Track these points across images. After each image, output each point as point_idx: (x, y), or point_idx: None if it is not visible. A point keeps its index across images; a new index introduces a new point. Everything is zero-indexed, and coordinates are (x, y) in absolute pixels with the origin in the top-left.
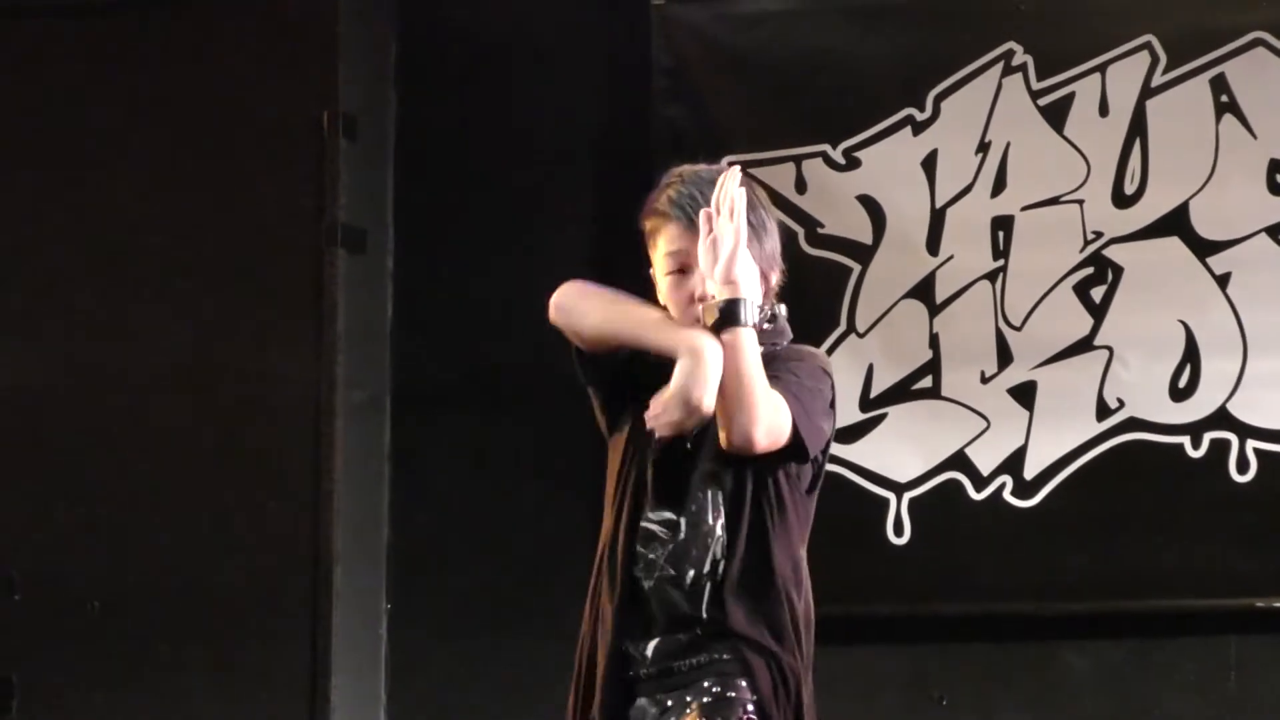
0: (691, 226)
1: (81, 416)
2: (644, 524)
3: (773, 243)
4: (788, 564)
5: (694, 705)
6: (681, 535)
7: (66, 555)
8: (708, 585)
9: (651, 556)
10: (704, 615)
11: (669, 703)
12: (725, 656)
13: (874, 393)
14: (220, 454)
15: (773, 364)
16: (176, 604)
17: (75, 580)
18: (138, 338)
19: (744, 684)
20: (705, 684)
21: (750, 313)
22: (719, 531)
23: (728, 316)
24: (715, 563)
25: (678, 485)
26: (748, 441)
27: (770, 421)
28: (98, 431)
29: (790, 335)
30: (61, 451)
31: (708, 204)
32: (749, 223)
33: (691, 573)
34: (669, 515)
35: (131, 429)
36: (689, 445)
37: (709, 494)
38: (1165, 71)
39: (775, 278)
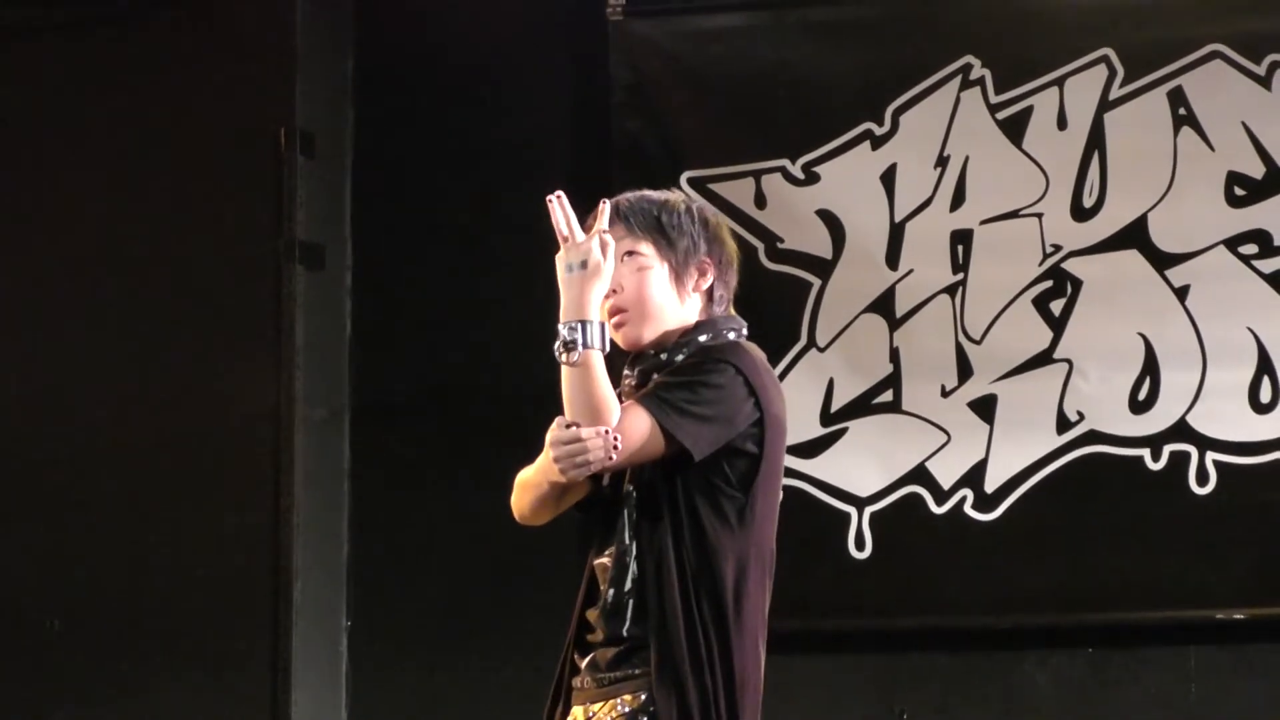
0: (611, 224)
1: (38, 434)
2: (598, 561)
3: (688, 241)
4: (712, 570)
5: (611, 717)
6: (612, 560)
7: (25, 573)
8: (630, 602)
9: (603, 586)
10: (624, 633)
11: (591, 713)
12: (637, 672)
13: (835, 407)
14: (179, 471)
15: (659, 371)
16: (135, 622)
17: (34, 598)
18: (94, 355)
19: (659, 699)
20: (623, 697)
21: (582, 337)
22: (634, 549)
23: (561, 346)
24: (635, 579)
25: (612, 516)
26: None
27: (605, 453)
28: (55, 449)
29: (725, 338)
30: (18, 469)
31: (619, 207)
32: (659, 223)
33: (612, 592)
34: (612, 547)
35: (89, 446)
36: (605, 480)
37: (624, 514)
38: (1123, 84)
39: (700, 279)
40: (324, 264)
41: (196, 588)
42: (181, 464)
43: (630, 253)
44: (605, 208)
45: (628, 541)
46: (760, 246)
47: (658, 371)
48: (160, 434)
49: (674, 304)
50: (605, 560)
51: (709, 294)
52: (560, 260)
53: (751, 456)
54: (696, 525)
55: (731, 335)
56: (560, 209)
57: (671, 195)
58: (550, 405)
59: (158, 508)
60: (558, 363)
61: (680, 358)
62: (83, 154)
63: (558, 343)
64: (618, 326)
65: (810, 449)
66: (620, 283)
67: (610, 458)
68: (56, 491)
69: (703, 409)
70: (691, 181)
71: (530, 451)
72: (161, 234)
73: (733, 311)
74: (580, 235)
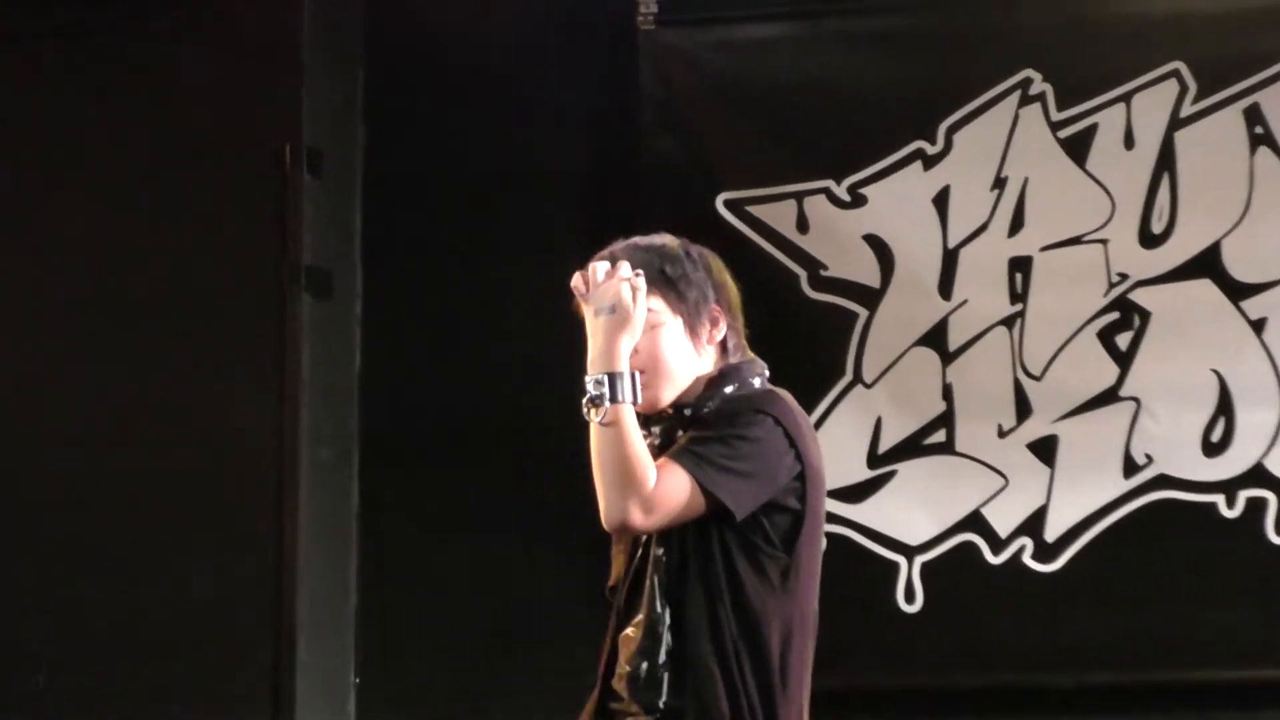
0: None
1: (23, 474)
2: (623, 634)
3: (697, 293)
4: (756, 637)
5: None
6: (642, 630)
7: (9, 624)
8: (666, 675)
9: (624, 656)
10: (661, 704)
11: None
12: None
13: (882, 448)
14: (175, 514)
15: (693, 425)
16: (125, 681)
17: (18, 651)
18: (85, 389)
19: None
20: None
21: (614, 391)
22: (667, 618)
23: (588, 403)
24: (670, 650)
25: (635, 582)
26: (620, 524)
27: (645, 499)
28: (37, 493)
29: (752, 386)
30: (3, 511)
31: (617, 259)
32: (665, 275)
33: (645, 665)
34: (639, 615)
35: (79, 487)
36: (639, 546)
37: (651, 580)
38: (1195, 101)
39: (714, 329)
40: (332, 291)
41: (191, 643)
42: (175, 508)
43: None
44: (597, 267)
45: (659, 609)
46: (802, 274)
47: (683, 428)
48: (152, 475)
49: (691, 360)
50: (630, 632)
51: (723, 344)
52: (587, 306)
53: (794, 512)
54: (737, 589)
55: (757, 382)
56: (581, 277)
57: (666, 241)
58: (577, 446)
59: (149, 555)
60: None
61: (707, 411)
62: (75, 168)
63: (585, 399)
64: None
65: (856, 493)
66: (635, 345)
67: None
68: (42, 538)
69: (742, 464)
70: (729, 204)
71: (557, 496)
72: (156, 258)
73: (750, 355)
74: (612, 277)
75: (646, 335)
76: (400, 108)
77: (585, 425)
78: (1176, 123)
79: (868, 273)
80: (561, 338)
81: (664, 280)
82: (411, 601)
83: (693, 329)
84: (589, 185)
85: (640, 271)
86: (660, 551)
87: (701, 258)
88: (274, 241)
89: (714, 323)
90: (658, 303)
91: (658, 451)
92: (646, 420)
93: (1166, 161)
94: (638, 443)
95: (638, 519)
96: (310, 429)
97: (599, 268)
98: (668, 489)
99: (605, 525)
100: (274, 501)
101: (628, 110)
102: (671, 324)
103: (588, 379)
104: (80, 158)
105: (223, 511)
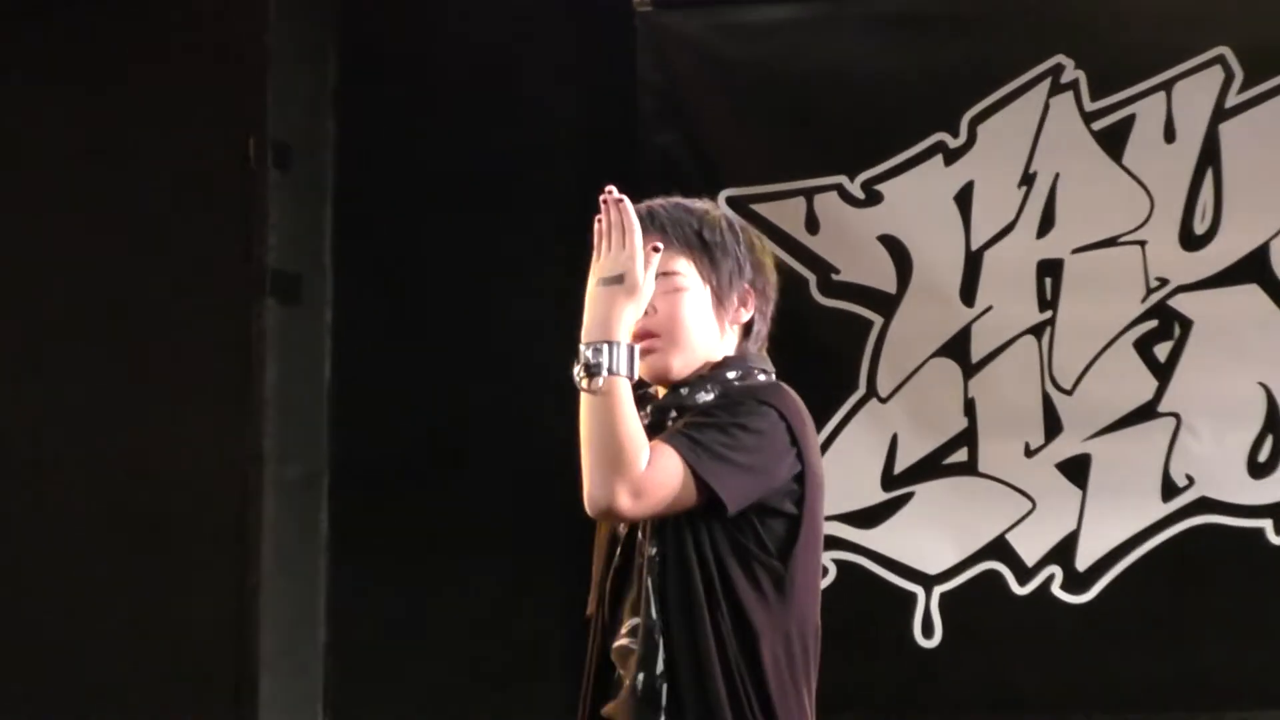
0: (662, 239)
1: None
2: (617, 644)
3: (732, 263)
4: (755, 653)
5: None
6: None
7: None
8: (664, 688)
9: (623, 671)
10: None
11: None
12: None
13: (899, 468)
14: (128, 542)
15: (680, 411)
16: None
17: None
18: (32, 404)
19: None
20: None
21: (606, 360)
22: (660, 624)
23: (581, 369)
24: (667, 662)
25: (633, 586)
26: (606, 508)
27: (635, 482)
28: None
29: (756, 377)
30: None
31: (654, 214)
32: (702, 239)
33: (642, 676)
34: (637, 620)
35: (24, 513)
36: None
37: (645, 582)
38: (1241, 90)
39: (741, 309)
40: (300, 297)
41: (144, 685)
42: (131, 534)
43: (665, 272)
44: (626, 208)
45: (654, 615)
46: (812, 278)
47: (677, 410)
48: (107, 498)
49: (712, 334)
50: (625, 642)
51: (746, 328)
52: (594, 271)
53: (790, 518)
54: (732, 599)
55: (762, 377)
56: (615, 211)
57: (711, 208)
58: (567, 466)
59: (103, 586)
60: (577, 389)
61: (703, 396)
62: (12, 160)
63: (578, 366)
64: (644, 353)
65: (869, 517)
66: (652, 304)
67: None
68: None
69: (741, 456)
70: (732, 202)
71: (544, 520)
72: (104, 261)
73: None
74: (626, 245)
75: (668, 297)
76: (376, 97)
77: (576, 439)
78: (1221, 113)
79: (883, 277)
80: (552, 348)
81: (700, 244)
82: (386, 638)
83: (720, 302)
84: (580, 181)
85: (660, 246)
86: (654, 551)
87: (745, 233)
88: (236, 243)
89: (743, 302)
90: (687, 265)
91: (648, 433)
92: (640, 395)
93: (1210, 155)
94: (631, 419)
95: (625, 503)
96: (275, 448)
97: (620, 226)
98: (659, 473)
99: (589, 508)
100: (235, 528)
101: (623, 100)
102: (697, 291)
103: (583, 346)
104: (18, 149)
105: (178, 539)
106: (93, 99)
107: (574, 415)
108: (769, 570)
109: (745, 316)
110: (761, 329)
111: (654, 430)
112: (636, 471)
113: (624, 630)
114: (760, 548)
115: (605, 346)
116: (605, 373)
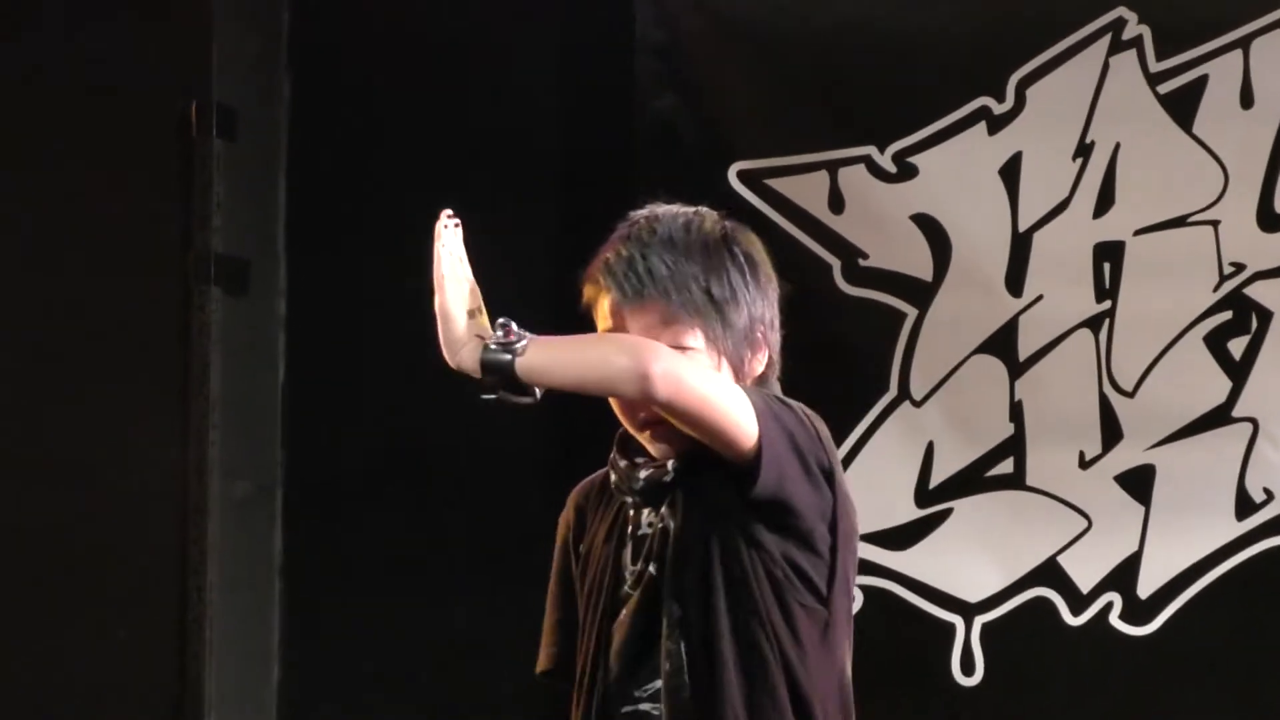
0: (633, 299)
1: None
2: (628, 708)
3: (745, 316)
4: (805, 710)
5: None
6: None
7: None
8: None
9: None
10: None
11: None
12: None
13: (935, 481)
14: (54, 568)
15: (684, 475)
16: None
17: None
18: None
19: None
20: None
21: (508, 344)
22: (686, 671)
23: (489, 368)
24: (674, 688)
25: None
26: (642, 374)
27: (655, 351)
28: None
29: None
30: None
31: (651, 271)
32: (711, 298)
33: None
34: (654, 685)
35: None
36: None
37: (681, 647)
38: None
39: (756, 356)
40: (248, 287)
41: None
42: (58, 559)
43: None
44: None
45: (685, 678)
46: (835, 264)
47: (687, 471)
48: (25, 519)
49: None
50: (646, 708)
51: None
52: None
53: (822, 550)
54: (782, 658)
55: None
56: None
57: (706, 227)
58: (549, 478)
59: (26, 617)
60: (509, 406)
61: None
62: None
63: (485, 360)
64: (655, 438)
65: (902, 538)
66: None
67: None
68: None
69: (788, 423)
70: (744, 176)
71: (524, 539)
72: (28, 245)
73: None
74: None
75: None
76: (335, 56)
77: (563, 454)
78: None
79: (917, 262)
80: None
81: (710, 304)
82: (346, 673)
83: (736, 367)
84: (570, 153)
85: (459, 221)
86: (677, 611)
87: (744, 255)
88: (177, 224)
89: (757, 349)
90: (697, 338)
91: (652, 489)
92: (632, 463)
93: None
94: (577, 337)
95: (657, 372)
96: (221, 459)
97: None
98: (694, 368)
99: (628, 389)
100: (177, 549)
101: (620, 62)
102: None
103: (484, 356)
104: None
105: (114, 563)
106: (7, 59)
107: (553, 423)
108: (812, 614)
109: (760, 366)
110: (774, 355)
111: (659, 488)
112: (647, 344)
113: (641, 694)
114: (803, 584)
115: (497, 336)
116: (519, 343)
